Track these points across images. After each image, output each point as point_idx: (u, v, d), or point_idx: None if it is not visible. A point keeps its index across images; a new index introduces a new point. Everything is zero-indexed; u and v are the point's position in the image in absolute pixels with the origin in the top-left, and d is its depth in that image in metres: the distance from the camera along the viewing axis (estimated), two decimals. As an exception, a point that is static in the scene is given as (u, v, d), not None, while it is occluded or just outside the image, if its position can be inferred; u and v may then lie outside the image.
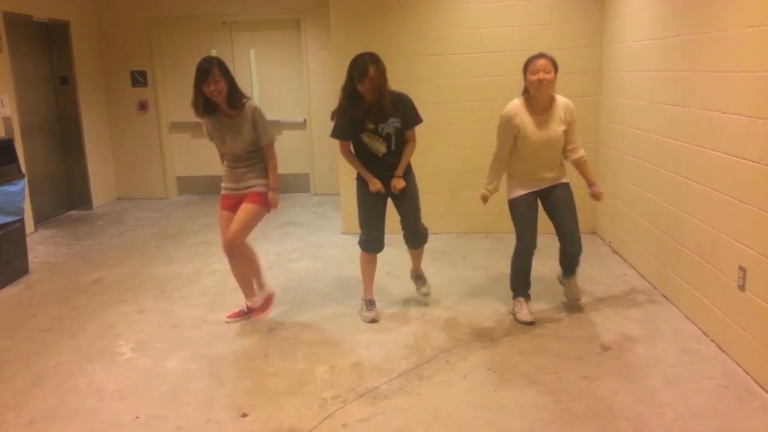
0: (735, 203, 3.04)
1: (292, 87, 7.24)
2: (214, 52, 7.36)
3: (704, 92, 3.34)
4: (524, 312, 3.65)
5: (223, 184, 3.67)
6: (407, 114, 3.56)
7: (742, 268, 2.98)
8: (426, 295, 3.99)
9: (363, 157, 3.61)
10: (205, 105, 3.45)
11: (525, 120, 3.45)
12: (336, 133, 3.60)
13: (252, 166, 3.58)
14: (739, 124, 2.99)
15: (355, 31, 5.29)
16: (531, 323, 3.60)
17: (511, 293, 3.78)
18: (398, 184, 3.59)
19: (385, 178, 3.62)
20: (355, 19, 5.28)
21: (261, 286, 3.81)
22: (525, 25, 5.08)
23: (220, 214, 3.68)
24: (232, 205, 3.63)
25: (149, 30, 7.19)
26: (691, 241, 3.52)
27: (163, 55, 7.39)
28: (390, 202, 3.73)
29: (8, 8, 5.66)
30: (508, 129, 3.49)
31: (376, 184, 3.59)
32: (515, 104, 3.50)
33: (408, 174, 3.69)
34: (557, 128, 3.47)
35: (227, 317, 3.77)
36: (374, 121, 3.48)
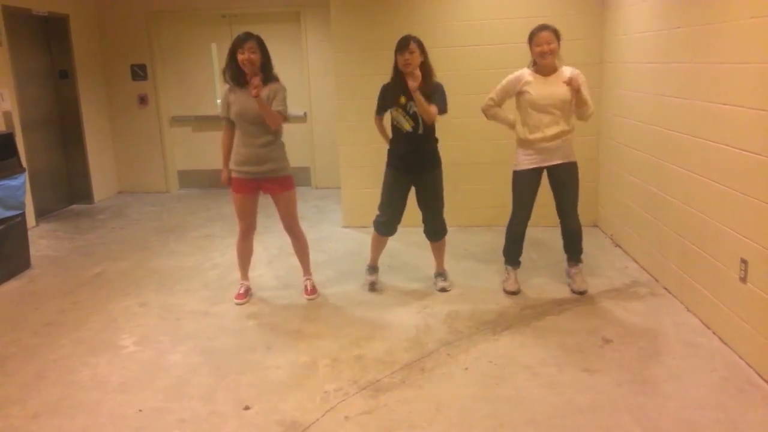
0: (737, 195, 3.03)
1: (292, 80, 7.15)
2: (213, 46, 7.35)
3: (706, 84, 3.33)
4: (510, 282, 3.95)
5: (238, 167, 3.72)
6: (435, 99, 3.70)
7: (743, 260, 2.98)
8: (443, 290, 4.03)
9: (393, 130, 3.84)
10: (235, 76, 3.61)
11: (530, 80, 3.68)
12: (376, 106, 3.88)
13: (271, 145, 3.68)
14: (740, 115, 2.98)
15: (355, 23, 5.27)
16: (514, 293, 3.89)
17: (503, 260, 4.06)
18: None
19: (409, 159, 3.81)
20: (355, 11, 5.26)
21: (308, 272, 4.06)
22: (526, 16, 5.04)
23: (237, 198, 3.80)
24: (250, 189, 3.75)
25: (149, 23, 7.17)
26: (693, 233, 3.52)
27: (163, 49, 7.37)
28: (413, 194, 3.93)
29: (7, 2, 5.64)
30: (511, 83, 3.75)
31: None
32: (524, 69, 3.76)
33: (435, 169, 3.88)
34: (561, 89, 3.62)
35: (236, 298, 3.94)
36: (406, 98, 3.67)
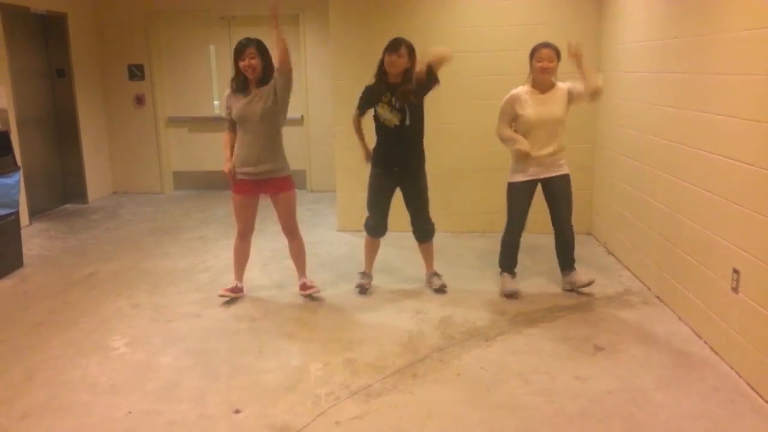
0: (729, 205, 3.05)
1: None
2: (212, 48, 7.35)
3: (700, 94, 3.35)
4: (509, 285, 3.99)
5: (238, 168, 3.77)
6: (424, 83, 3.71)
7: (735, 270, 2.99)
8: (442, 287, 4.08)
9: (379, 129, 3.85)
10: (238, 83, 3.67)
11: (527, 99, 3.76)
12: (357, 104, 3.90)
13: (270, 146, 3.72)
14: (734, 126, 3.00)
15: (354, 27, 5.28)
16: (515, 291, 3.96)
17: (498, 269, 4.10)
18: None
19: (396, 155, 3.85)
20: (354, 15, 5.27)
21: (303, 275, 4.05)
22: (524, 24, 5.07)
23: (235, 198, 3.85)
24: (250, 190, 3.80)
25: (147, 23, 7.17)
26: (686, 242, 3.53)
27: (161, 49, 7.37)
28: (399, 195, 3.97)
29: None
30: (508, 105, 3.80)
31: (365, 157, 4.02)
32: (520, 88, 3.82)
33: (419, 171, 3.93)
34: (556, 108, 3.75)
35: (222, 290, 3.97)
36: (391, 94, 3.71)
